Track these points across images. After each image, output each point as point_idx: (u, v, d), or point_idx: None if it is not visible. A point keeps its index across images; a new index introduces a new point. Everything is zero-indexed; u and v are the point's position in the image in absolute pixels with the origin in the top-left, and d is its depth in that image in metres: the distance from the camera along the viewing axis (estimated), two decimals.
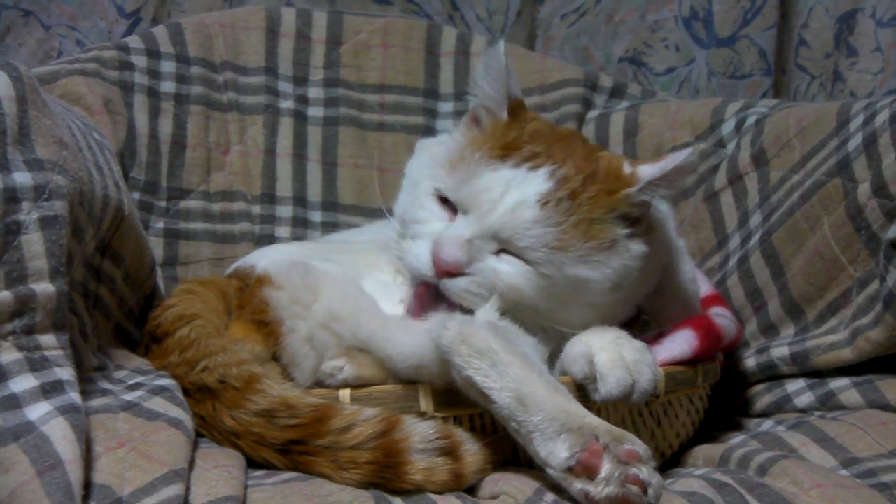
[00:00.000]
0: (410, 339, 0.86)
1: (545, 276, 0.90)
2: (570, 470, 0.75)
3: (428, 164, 0.98)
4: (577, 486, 0.75)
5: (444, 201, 0.95)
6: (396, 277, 1.00)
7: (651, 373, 0.86)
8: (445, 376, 0.84)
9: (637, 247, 0.94)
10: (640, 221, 0.94)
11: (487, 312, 0.87)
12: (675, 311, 1.03)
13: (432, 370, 0.85)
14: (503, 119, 0.97)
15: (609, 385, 0.84)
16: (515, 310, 0.91)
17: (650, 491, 0.74)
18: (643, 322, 1.02)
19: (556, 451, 0.76)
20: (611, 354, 0.85)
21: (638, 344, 0.89)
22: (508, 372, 0.79)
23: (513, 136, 0.95)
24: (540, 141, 0.95)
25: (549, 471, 0.77)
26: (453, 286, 0.91)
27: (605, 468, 0.74)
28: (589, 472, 0.74)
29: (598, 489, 0.74)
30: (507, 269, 0.91)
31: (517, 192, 0.90)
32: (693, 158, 0.91)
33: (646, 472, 0.74)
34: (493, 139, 0.95)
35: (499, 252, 0.92)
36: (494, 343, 0.81)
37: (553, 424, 0.76)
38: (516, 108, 0.98)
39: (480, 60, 1.03)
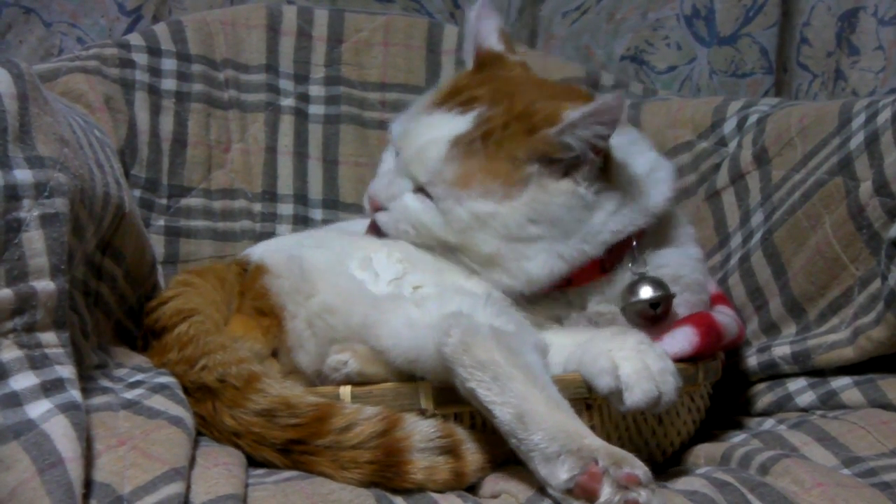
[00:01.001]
0: (410, 334, 0.86)
1: (446, 212, 0.96)
2: (569, 492, 0.75)
3: (403, 114, 1.08)
4: None
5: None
6: (390, 257, 1.00)
7: (675, 381, 0.86)
8: (440, 375, 0.83)
9: (564, 186, 0.95)
10: (577, 167, 0.95)
11: (491, 316, 0.86)
12: (678, 263, 1.02)
13: (427, 368, 0.85)
14: (468, 70, 1.06)
15: (636, 397, 0.83)
16: (439, 248, 0.98)
17: None
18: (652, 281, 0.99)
19: (555, 473, 0.75)
20: (635, 364, 0.85)
21: (659, 350, 0.88)
22: (510, 386, 0.78)
23: (462, 84, 1.03)
24: (488, 86, 1.01)
25: (549, 490, 0.76)
26: (379, 218, 1.02)
27: (605, 493, 0.73)
28: (588, 496, 0.74)
29: None
30: (416, 206, 0.98)
31: (433, 133, 0.98)
32: (616, 103, 0.92)
33: (645, 495, 0.73)
34: (444, 88, 1.04)
35: (418, 191, 0.99)
36: (497, 354, 0.80)
37: (553, 445, 0.76)
38: (486, 59, 1.06)
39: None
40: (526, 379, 0.79)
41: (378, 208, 1.01)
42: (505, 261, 0.96)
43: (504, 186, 0.94)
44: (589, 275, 0.99)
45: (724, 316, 1.04)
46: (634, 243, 1.00)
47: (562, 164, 0.95)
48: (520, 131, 0.95)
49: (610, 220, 0.97)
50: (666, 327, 0.98)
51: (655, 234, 1.02)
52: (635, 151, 1.02)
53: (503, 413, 0.78)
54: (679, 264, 1.03)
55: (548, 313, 1.00)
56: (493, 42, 1.06)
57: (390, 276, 0.97)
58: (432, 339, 0.83)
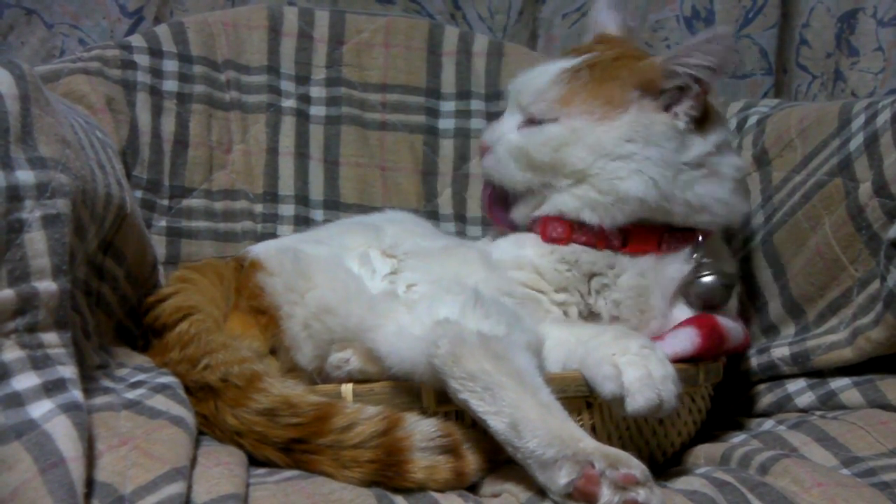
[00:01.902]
0: (403, 345, 0.86)
1: (545, 130, 1.02)
2: (569, 496, 0.75)
3: None
4: None
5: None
6: (384, 257, 1.01)
7: (676, 388, 0.86)
8: (437, 384, 0.84)
9: (664, 117, 1.01)
10: (679, 100, 1.00)
11: (480, 319, 0.86)
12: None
13: (424, 378, 0.85)
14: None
15: (638, 404, 0.84)
16: (538, 172, 1.03)
17: None
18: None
19: (553, 478, 0.76)
20: (638, 371, 0.85)
21: (661, 354, 0.88)
22: (502, 395, 0.79)
23: (581, 47, 1.11)
24: (606, 45, 1.08)
25: (550, 494, 0.77)
26: (484, 163, 1.09)
27: (605, 495, 0.74)
28: (588, 499, 0.74)
29: None
30: (517, 137, 1.05)
31: (545, 69, 1.06)
32: (724, 31, 1.00)
33: (644, 494, 0.74)
34: (560, 53, 1.14)
35: (524, 125, 1.05)
36: (487, 363, 0.80)
37: (548, 451, 0.76)
38: (600, 39, 1.13)
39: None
40: (517, 386, 0.79)
41: (485, 151, 1.08)
42: (597, 177, 1.00)
43: (604, 107, 1.00)
44: (645, 244, 1.02)
45: (729, 321, 1.04)
46: (700, 237, 1.04)
47: (665, 97, 1.00)
48: (627, 62, 1.03)
49: (698, 180, 1.02)
50: (701, 315, 1.01)
51: (708, 245, 1.06)
52: (728, 141, 1.09)
53: (497, 423, 0.79)
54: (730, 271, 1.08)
55: (589, 274, 1.02)
56: (613, 28, 1.14)
57: (386, 271, 0.97)
58: (422, 351, 0.83)
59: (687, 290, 1.03)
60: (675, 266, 1.03)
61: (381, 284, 0.96)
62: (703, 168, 1.03)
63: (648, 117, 1.00)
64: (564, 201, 1.02)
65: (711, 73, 0.98)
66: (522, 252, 1.05)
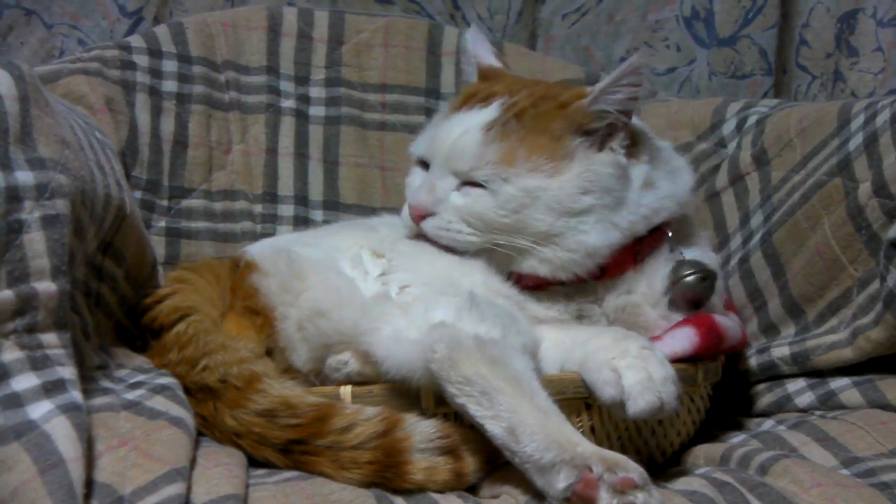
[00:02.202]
0: (399, 350, 0.85)
1: (496, 193, 0.97)
2: (567, 500, 0.75)
3: (414, 141, 1.11)
4: None
5: (424, 163, 1.06)
6: (375, 258, 1.01)
7: (676, 389, 0.86)
8: (435, 387, 0.84)
9: (608, 157, 0.99)
10: (612, 136, 0.99)
11: (476, 322, 0.86)
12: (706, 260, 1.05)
13: (421, 383, 0.85)
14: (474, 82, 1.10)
15: (639, 408, 0.84)
16: (497, 233, 0.98)
17: None
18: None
19: (551, 482, 0.76)
20: (638, 375, 0.85)
21: (660, 355, 0.88)
22: (499, 400, 0.79)
23: (473, 90, 1.07)
24: (501, 84, 1.06)
25: (548, 498, 0.77)
26: (426, 227, 1.01)
27: (603, 499, 0.74)
28: (586, 503, 0.74)
29: None
30: (466, 200, 0.99)
31: (462, 126, 1.01)
32: (639, 61, 0.96)
33: (642, 498, 0.74)
34: (458, 98, 1.07)
35: (462, 187, 1.00)
36: (483, 367, 0.80)
37: (546, 455, 0.76)
38: (488, 73, 1.10)
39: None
40: (514, 390, 0.79)
41: (423, 216, 1.01)
42: (562, 236, 0.98)
43: (550, 162, 0.97)
44: (622, 265, 1.01)
45: (727, 320, 1.04)
46: (669, 233, 1.03)
47: (598, 136, 0.99)
48: (551, 108, 0.99)
49: (644, 195, 1.01)
50: (699, 314, 1.00)
51: (678, 232, 1.05)
52: (652, 136, 1.06)
53: (494, 427, 0.79)
54: (706, 261, 1.05)
55: (574, 307, 1.01)
56: (492, 60, 1.12)
57: (378, 272, 0.98)
58: (419, 356, 0.83)
59: (673, 293, 1.02)
60: (657, 272, 1.02)
61: (374, 286, 0.96)
62: (647, 185, 1.02)
63: (593, 161, 0.98)
64: (534, 266, 0.99)
65: (634, 102, 0.98)
66: (501, 288, 1.02)
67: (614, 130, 0.99)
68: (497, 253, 0.99)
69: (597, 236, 0.98)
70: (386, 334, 0.87)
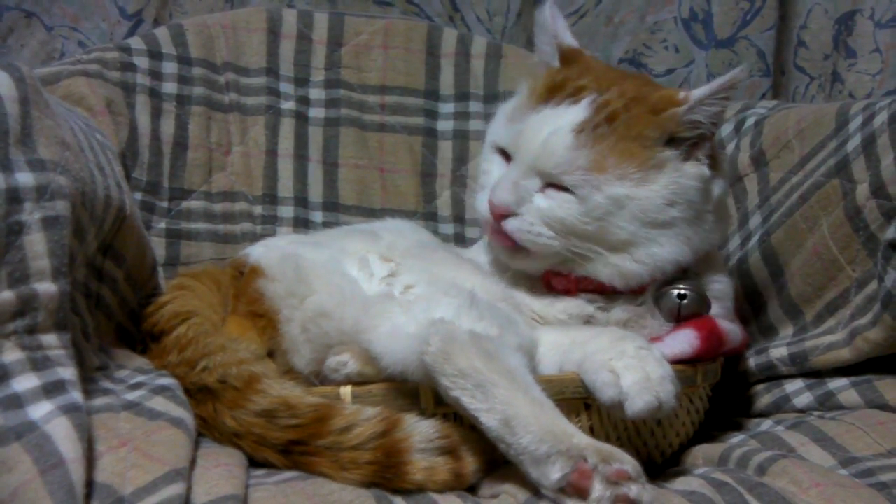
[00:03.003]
0: (396, 345, 0.86)
1: (584, 200, 0.95)
2: (561, 491, 0.76)
3: (496, 120, 1.07)
4: None
5: (504, 153, 1.03)
6: (382, 261, 1.01)
7: (674, 388, 0.86)
8: (430, 382, 0.84)
9: (695, 169, 0.98)
10: (699, 146, 0.98)
11: (474, 320, 0.86)
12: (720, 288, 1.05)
13: (417, 377, 0.85)
14: (555, 66, 1.05)
15: (637, 407, 0.84)
16: (576, 239, 0.96)
17: None
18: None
19: (546, 473, 0.76)
20: (636, 375, 0.85)
21: (657, 354, 0.89)
22: (494, 392, 0.79)
23: (560, 79, 1.02)
24: (589, 76, 1.02)
25: (542, 490, 0.77)
26: (508, 226, 0.99)
27: (596, 490, 0.74)
28: (580, 494, 0.75)
29: None
30: (550, 204, 0.97)
31: (552, 125, 0.97)
32: (741, 75, 0.95)
33: (636, 490, 0.74)
34: (542, 85, 1.02)
35: (546, 188, 0.97)
36: (478, 361, 0.80)
37: (542, 446, 0.76)
38: (569, 55, 1.05)
39: (536, 22, 1.10)
40: (509, 384, 0.80)
41: (504, 216, 0.99)
42: (636, 247, 0.97)
43: (640, 170, 0.95)
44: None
45: (729, 323, 1.04)
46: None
47: (686, 145, 0.97)
48: (643, 112, 0.97)
49: (712, 227, 1.01)
50: (703, 317, 1.00)
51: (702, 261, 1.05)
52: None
53: (489, 420, 0.79)
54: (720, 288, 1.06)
55: (587, 314, 1.01)
56: (569, 39, 1.08)
57: (384, 274, 0.98)
58: (415, 349, 0.83)
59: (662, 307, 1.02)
60: (667, 291, 1.02)
61: (379, 287, 0.96)
62: (716, 210, 1.02)
63: (681, 172, 0.97)
64: (597, 270, 0.98)
65: (724, 114, 0.98)
66: (522, 300, 1.03)
67: (702, 141, 0.98)
68: (560, 259, 0.98)
69: (670, 250, 0.97)
70: (385, 330, 0.87)
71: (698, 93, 0.96)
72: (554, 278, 1.02)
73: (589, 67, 1.04)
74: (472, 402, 0.79)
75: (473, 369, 0.80)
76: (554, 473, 0.75)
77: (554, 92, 1.01)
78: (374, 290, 0.96)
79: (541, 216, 0.97)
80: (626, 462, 0.75)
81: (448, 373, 0.80)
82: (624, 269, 0.98)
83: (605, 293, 1.01)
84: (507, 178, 0.99)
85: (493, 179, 1.02)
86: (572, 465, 0.75)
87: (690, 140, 0.97)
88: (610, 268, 0.98)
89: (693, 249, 0.99)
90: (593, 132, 0.96)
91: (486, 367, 0.80)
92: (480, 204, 1.03)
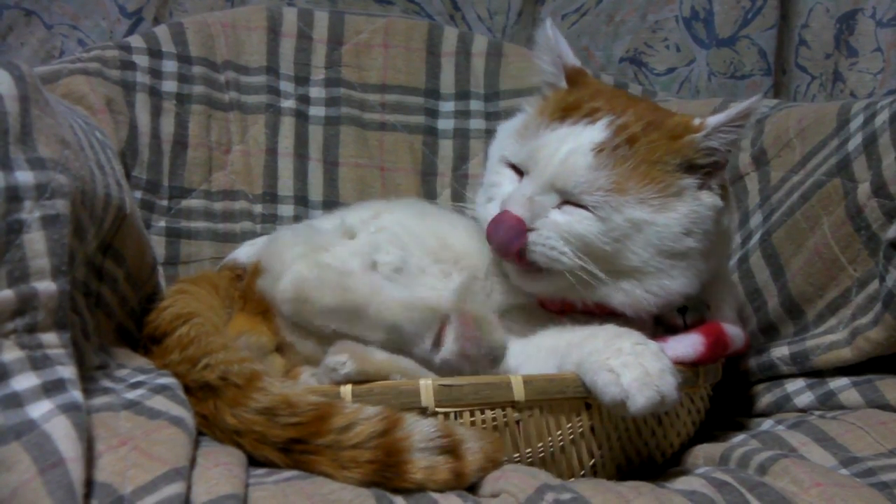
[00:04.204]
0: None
1: (604, 220, 0.94)
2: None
3: (502, 138, 1.06)
4: None
5: (515, 168, 1.01)
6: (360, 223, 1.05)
7: (674, 380, 0.86)
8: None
9: (710, 199, 0.97)
10: (713, 175, 0.97)
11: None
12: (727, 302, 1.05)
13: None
14: (563, 87, 1.04)
15: (639, 405, 0.84)
16: (590, 257, 0.94)
17: None
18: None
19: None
20: (635, 371, 0.85)
21: (654, 347, 0.88)
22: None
23: (573, 99, 1.01)
24: (601, 98, 1.00)
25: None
26: (526, 239, 0.96)
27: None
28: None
29: None
30: (568, 219, 0.95)
31: (571, 144, 0.96)
32: (756, 103, 0.94)
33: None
34: (554, 105, 1.01)
35: (562, 205, 0.96)
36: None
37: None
38: (575, 76, 1.04)
39: (535, 41, 1.08)
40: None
41: (523, 229, 0.96)
42: (647, 276, 0.95)
43: (660, 196, 0.94)
44: None
45: (733, 327, 1.03)
46: None
47: (701, 173, 0.96)
48: (662, 137, 0.95)
49: (718, 260, 1.01)
50: (711, 322, 1.00)
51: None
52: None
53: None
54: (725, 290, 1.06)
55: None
56: (573, 58, 1.06)
57: (362, 229, 1.03)
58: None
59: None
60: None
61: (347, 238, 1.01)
62: (722, 240, 1.01)
63: (699, 201, 0.96)
64: (608, 294, 0.96)
65: (739, 142, 0.97)
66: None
67: (716, 170, 0.97)
68: (567, 278, 0.96)
69: (681, 282, 0.96)
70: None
71: (714, 120, 0.95)
72: (547, 301, 1.01)
73: (599, 90, 1.03)
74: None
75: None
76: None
77: (569, 112, 0.99)
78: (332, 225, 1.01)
79: (558, 230, 0.95)
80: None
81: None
82: (634, 296, 0.96)
83: (603, 315, 0.99)
84: (521, 192, 0.97)
85: (503, 192, 1.00)
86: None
87: (706, 168, 0.96)
88: (622, 294, 0.96)
89: (701, 282, 0.98)
90: (613, 153, 0.94)
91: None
92: (482, 212, 1.01)
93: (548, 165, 0.96)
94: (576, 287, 0.96)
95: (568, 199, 0.96)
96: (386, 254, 1.00)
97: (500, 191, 1.01)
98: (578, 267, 0.95)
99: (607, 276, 0.95)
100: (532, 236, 0.96)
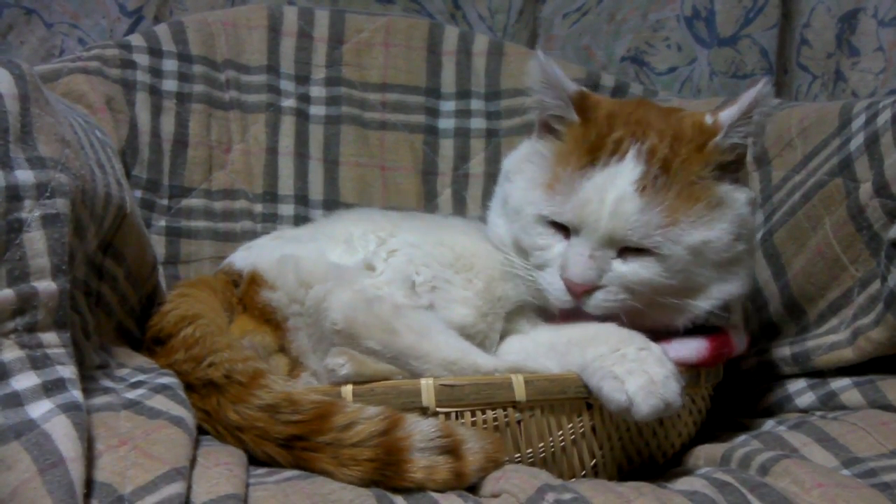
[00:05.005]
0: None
1: (667, 257, 0.93)
2: None
3: (524, 187, 1.01)
4: None
5: (556, 224, 0.97)
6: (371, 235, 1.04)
7: (678, 386, 0.86)
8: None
9: (744, 195, 0.97)
10: (740, 164, 0.97)
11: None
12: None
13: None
14: (576, 121, 0.99)
15: (644, 412, 0.84)
16: (656, 294, 0.94)
17: None
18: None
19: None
20: (640, 379, 0.85)
21: (657, 352, 0.89)
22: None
23: (593, 136, 0.97)
24: (617, 125, 0.97)
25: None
26: (592, 302, 0.95)
27: None
28: None
29: None
30: (633, 268, 0.94)
31: (613, 191, 0.93)
32: (764, 89, 0.93)
33: None
34: (576, 147, 0.97)
35: (622, 251, 0.94)
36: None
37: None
38: (581, 104, 1.00)
39: (527, 75, 1.02)
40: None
41: (585, 292, 0.95)
42: (711, 287, 0.96)
43: (707, 211, 0.93)
44: None
45: (738, 332, 1.04)
46: None
47: (730, 170, 0.96)
48: (690, 151, 0.94)
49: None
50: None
51: None
52: None
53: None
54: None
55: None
56: (572, 85, 1.02)
57: (371, 247, 1.01)
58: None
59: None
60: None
61: (358, 257, 1.00)
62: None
63: (738, 203, 0.95)
64: (673, 318, 0.96)
65: (764, 126, 0.98)
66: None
67: (741, 162, 0.97)
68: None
69: (737, 285, 0.96)
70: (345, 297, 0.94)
71: (727, 117, 0.94)
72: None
73: (610, 112, 1.00)
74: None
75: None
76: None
77: (595, 152, 0.96)
78: (355, 261, 1.00)
79: (623, 283, 0.94)
80: None
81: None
82: (695, 310, 0.96)
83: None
84: (579, 252, 0.94)
85: (554, 256, 0.97)
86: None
87: (733, 164, 0.96)
88: (684, 315, 0.96)
89: (752, 282, 0.98)
90: (654, 186, 0.93)
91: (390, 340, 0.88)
92: (553, 284, 0.96)
93: (599, 221, 0.93)
94: (639, 316, 0.95)
95: (627, 246, 0.94)
96: (417, 275, 0.99)
97: (549, 255, 0.98)
98: (646, 304, 0.95)
99: (677, 300, 0.94)
100: (602, 294, 0.94)
